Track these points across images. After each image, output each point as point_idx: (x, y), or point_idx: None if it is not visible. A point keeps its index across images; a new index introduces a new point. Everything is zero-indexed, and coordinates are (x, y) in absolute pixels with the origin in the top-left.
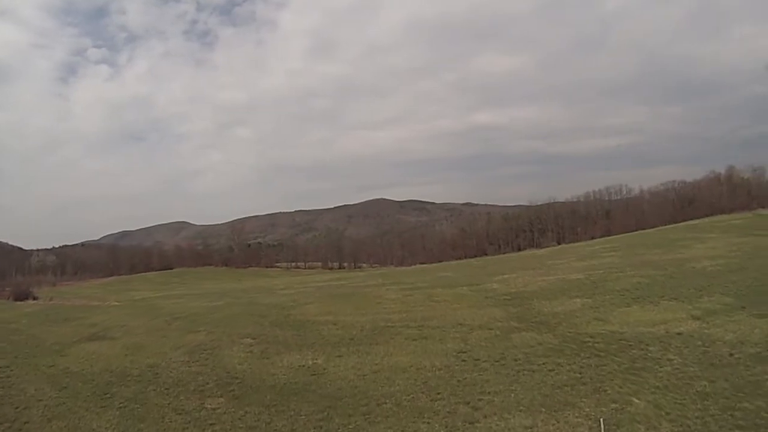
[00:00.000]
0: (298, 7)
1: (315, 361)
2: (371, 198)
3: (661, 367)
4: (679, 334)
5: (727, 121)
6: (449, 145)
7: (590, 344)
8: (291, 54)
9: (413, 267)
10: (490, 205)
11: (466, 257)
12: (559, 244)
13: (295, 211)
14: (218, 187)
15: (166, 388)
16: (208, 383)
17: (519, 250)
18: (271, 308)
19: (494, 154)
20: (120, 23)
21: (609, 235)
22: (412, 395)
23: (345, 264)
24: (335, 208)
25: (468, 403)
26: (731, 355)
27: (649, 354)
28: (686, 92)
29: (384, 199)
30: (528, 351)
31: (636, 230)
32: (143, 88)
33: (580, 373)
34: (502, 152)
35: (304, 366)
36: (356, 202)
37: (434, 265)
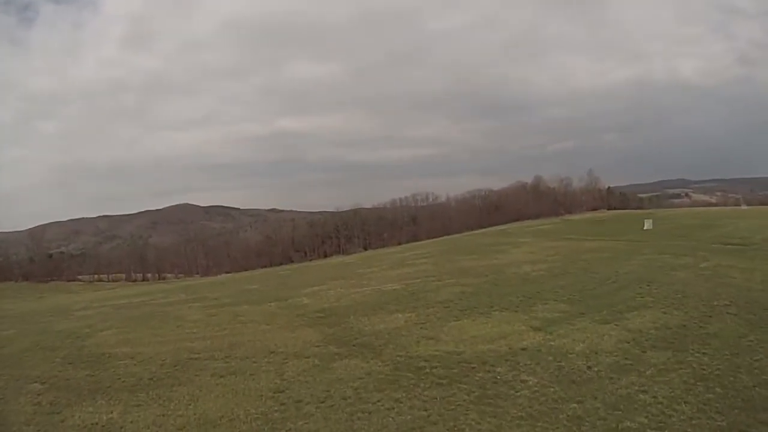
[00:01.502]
0: None
1: (110, 414)
2: (176, 203)
3: (517, 392)
4: (524, 349)
5: (529, 137)
6: (255, 150)
7: (427, 370)
8: (107, 41)
9: (219, 277)
10: (295, 211)
11: (271, 265)
12: (365, 250)
13: (99, 216)
14: (15, 188)
15: None
16: None
17: (326, 256)
18: (64, 337)
19: (299, 160)
20: None
21: (416, 241)
22: None
23: (149, 275)
24: (139, 213)
25: None
26: (589, 368)
27: (499, 377)
28: (495, 110)
29: (189, 205)
30: (357, 385)
31: (443, 235)
32: None
33: (426, 410)
34: (307, 158)
35: (97, 424)
36: (161, 207)
37: (240, 274)
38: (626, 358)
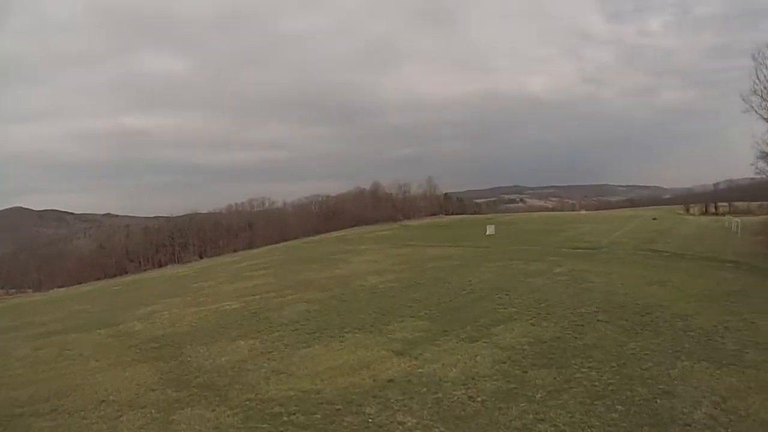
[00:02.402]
0: None
1: None
2: (8, 207)
3: None
4: (391, 381)
5: (373, 144)
6: (93, 149)
7: (285, 418)
8: None
9: (52, 293)
10: (130, 216)
11: (105, 277)
12: (201, 258)
13: None
14: None
15: None
16: None
17: (161, 266)
18: None
19: (139, 160)
20: None
21: (252, 248)
22: None
23: None
24: None
25: None
26: (471, 398)
27: (371, 420)
28: (341, 115)
29: (22, 209)
30: None
31: (280, 242)
32: None
33: None
34: (148, 159)
35: None
36: None
37: (74, 290)
38: (509, 382)
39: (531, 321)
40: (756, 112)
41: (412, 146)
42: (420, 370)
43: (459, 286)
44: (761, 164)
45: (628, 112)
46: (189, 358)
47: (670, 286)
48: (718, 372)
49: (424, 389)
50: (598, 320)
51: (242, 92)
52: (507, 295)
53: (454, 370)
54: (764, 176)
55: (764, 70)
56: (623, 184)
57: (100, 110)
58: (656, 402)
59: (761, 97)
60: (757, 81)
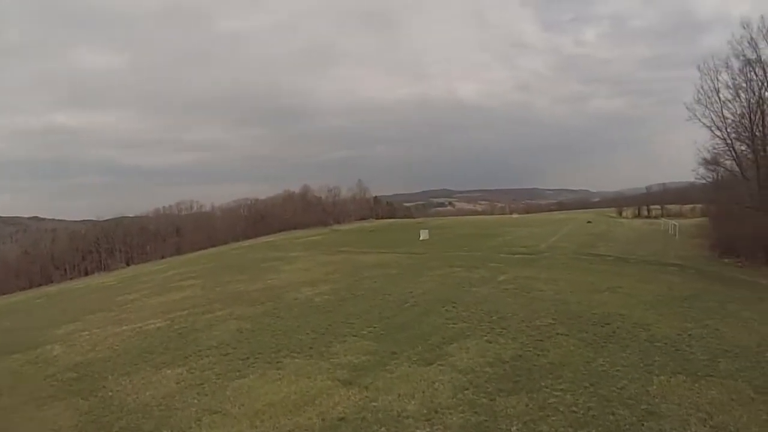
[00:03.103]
0: None
1: None
2: None
3: None
4: (342, 419)
5: (305, 146)
6: (20, 147)
7: None
8: None
9: None
10: (58, 220)
11: (31, 286)
12: (128, 265)
13: None
14: None
15: None
16: None
17: (87, 274)
18: None
19: (68, 160)
20: None
21: (180, 254)
22: None
23: None
24: None
25: None
26: None
27: None
28: (275, 116)
29: None
30: None
31: (208, 247)
32: None
33: None
34: (79, 159)
35: None
36: None
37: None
38: (477, 413)
39: (486, 337)
40: (699, 120)
41: (344, 149)
42: (374, 404)
43: (400, 298)
44: (702, 170)
45: (559, 119)
46: (110, 393)
47: (621, 293)
48: (696, 385)
49: (383, 429)
50: (557, 333)
51: (179, 91)
52: (454, 307)
53: (412, 402)
54: (705, 181)
55: (708, 81)
56: (552, 187)
57: (29, 106)
58: (643, 425)
59: (705, 106)
60: (701, 91)
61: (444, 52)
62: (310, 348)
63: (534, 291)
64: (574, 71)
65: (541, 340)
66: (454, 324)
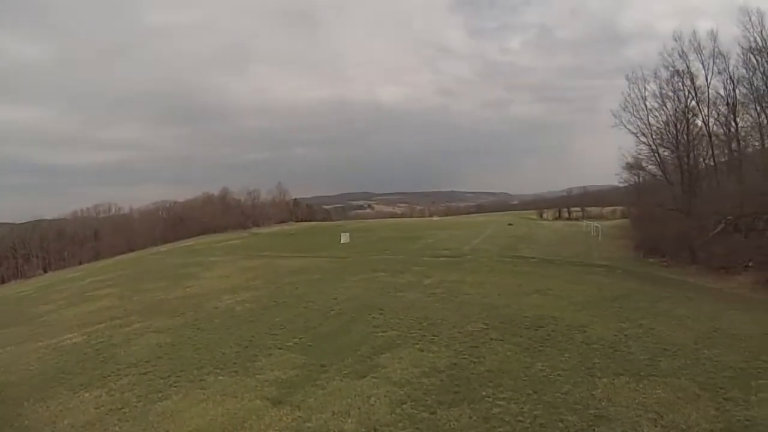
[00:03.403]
0: None
1: None
2: None
3: None
4: None
5: (223, 147)
6: None
7: None
8: None
9: None
10: None
11: None
12: (45, 272)
13: None
14: None
15: None
16: None
17: (3, 282)
18: None
19: None
20: None
21: (98, 259)
22: None
23: None
24: None
25: None
26: None
27: None
28: (194, 115)
29: None
30: None
31: (127, 251)
32: None
33: None
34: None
35: None
36: None
37: None
38: (418, 429)
39: (417, 345)
40: (625, 126)
41: (263, 151)
42: (308, 425)
43: (325, 305)
44: (625, 174)
45: (480, 123)
46: (26, 422)
47: (551, 295)
48: (641, 386)
49: None
50: (491, 339)
51: (101, 86)
52: (381, 314)
53: (349, 421)
54: (627, 184)
55: (636, 90)
56: (471, 190)
57: None
58: (594, 431)
59: (631, 113)
60: (628, 99)
61: (366, 55)
62: (235, 363)
63: (462, 295)
64: (497, 77)
65: (475, 347)
66: (383, 332)
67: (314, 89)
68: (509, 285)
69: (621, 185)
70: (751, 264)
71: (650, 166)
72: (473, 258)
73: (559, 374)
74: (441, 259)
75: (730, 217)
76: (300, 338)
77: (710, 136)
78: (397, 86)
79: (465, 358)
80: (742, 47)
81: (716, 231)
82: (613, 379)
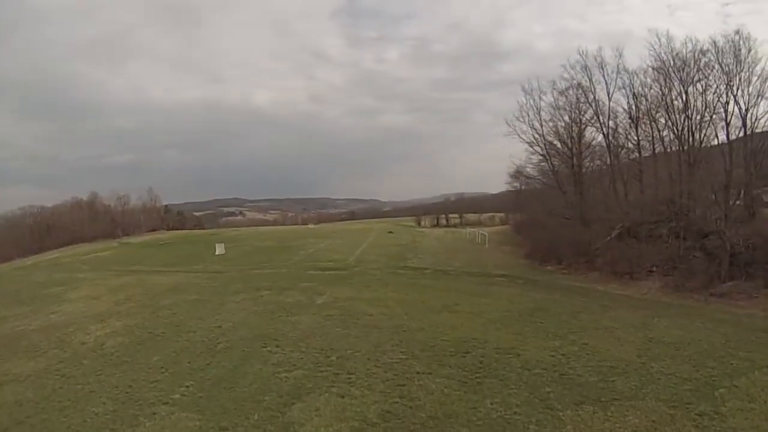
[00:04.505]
0: None
1: None
2: None
3: None
4: None
5: (89, 147)
6: None
7: None
8: None
9: None
10: None
11: None
12: None
13: None
14: None
15: None
16: None
17: None
18: None
19: None
20: None
21: None
22: None
23: None
24: None
25: None
26: None
27: None
28: (65, 111)
29: None
30: None
31: None
32: None
33: None
34: None
35: None
36: None
37: None
38: None
39: (334, 389)
40: (518, 135)
41: (130, 152)
42: None
43: (209, 336)
44: (515, 182)
45: (351, 131)
46: None
47: (462, 312)
48: (609, 414)
49: None
50: (417, 373)
51: None
52: (278, 346)
53: None
54: (510, 191)
55: (531, 101)
56: (342, 197)
57: None
58: None
59: (525, 123)
60: (523, 109)
61: (243, 57)
62: (113, 425)
63: (363, 317)
64: (370, 86)
65: (402, 385)
66: (286, 372)
67: (190, 89)
68: (412, 302)
69: (496, 193)
70: (654, 269)
71: (540, 175)
72: (362, 270)
73: (515, 412)
74: (328, 272)
75: (622, 225)
76: (187, 386)
77: (609, 147)
78: (271, 91)
79: (397, 402)
80: (646, 64)
81: (611, 237)
82: (577, 411)
